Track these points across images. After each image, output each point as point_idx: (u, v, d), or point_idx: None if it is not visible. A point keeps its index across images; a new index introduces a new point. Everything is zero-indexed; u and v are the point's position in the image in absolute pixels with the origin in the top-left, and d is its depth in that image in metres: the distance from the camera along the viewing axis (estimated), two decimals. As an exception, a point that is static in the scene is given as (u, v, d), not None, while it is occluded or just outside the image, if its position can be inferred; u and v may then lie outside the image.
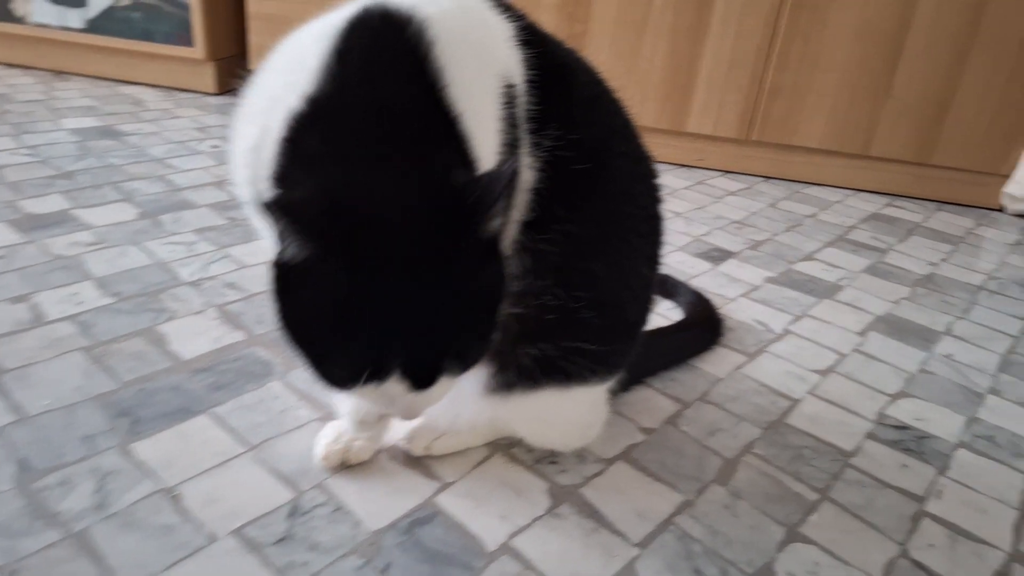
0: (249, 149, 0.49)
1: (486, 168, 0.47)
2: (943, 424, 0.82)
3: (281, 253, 0.43)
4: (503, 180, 0.42)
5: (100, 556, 0.55)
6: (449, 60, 0.47)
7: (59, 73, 1.84)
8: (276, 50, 0.52)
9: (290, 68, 0.48)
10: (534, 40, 0.54)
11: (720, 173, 1.67)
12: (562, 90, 0.55)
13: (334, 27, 0.47)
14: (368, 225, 0.42)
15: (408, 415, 0.50)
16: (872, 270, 1.23)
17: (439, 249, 0.43)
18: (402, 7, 0.48)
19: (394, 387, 0.45)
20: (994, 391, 0.90)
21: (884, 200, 1.61)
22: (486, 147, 0.48)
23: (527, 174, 0.54)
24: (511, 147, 0.51)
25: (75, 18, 1.74)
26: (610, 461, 0.71)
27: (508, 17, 0.54)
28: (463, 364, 0.47)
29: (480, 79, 0.49)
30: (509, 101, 0.51)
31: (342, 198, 0.42)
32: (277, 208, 0.40)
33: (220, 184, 1.28)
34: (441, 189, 0.43)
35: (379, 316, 0.43)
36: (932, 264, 1.28)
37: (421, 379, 0.46)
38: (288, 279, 0.43)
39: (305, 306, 0.44)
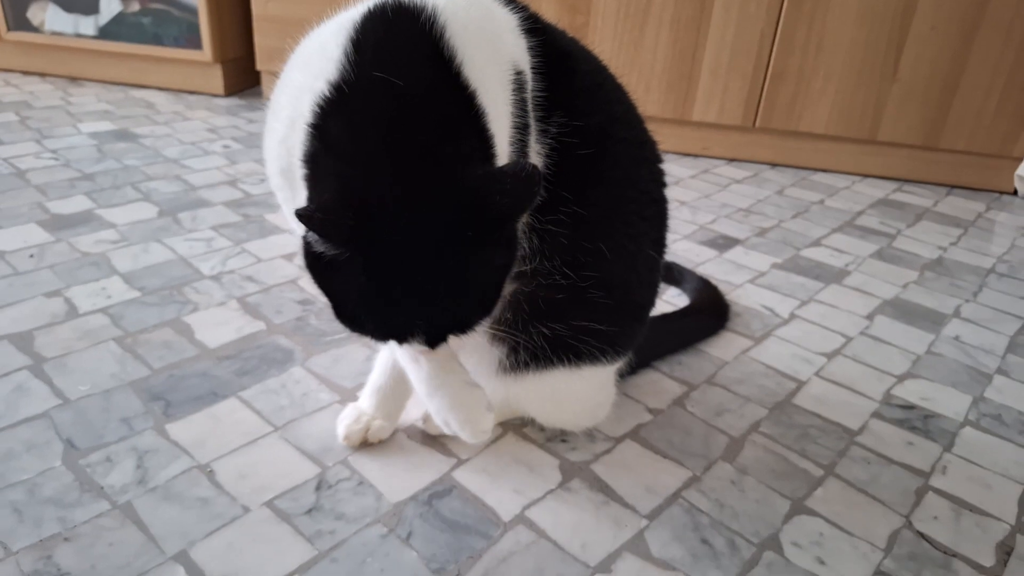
0: (278, 142, 0.53)
1: (500, 143, 0.50)
2: (950, 404, 0.84)
3: (313, 245, 0.48)
4: (534, 181, 0.45)
5: (145, 525, 0.59)
6: (462, 43, 0.50)
7: (74, 79, 1.89)
8: (297, 49, 0.55)
9: (313, 60, 0.51)
10: (538, 30, 0.57)
11: (725, 161, 1.69)
12: (566, 78, 0.58)
13: (351, 20, 0.51)
14: (389, 225, 0.46)
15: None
16: (880, 255, 1.24)
17: (455, 242, 0.47)
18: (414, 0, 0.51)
19: (413, 345, 0.52)
20: (1002, 371, 0.91)
21: (893, 185, 1.62)
22: (500, 124, 0.51)
23: (535, 160, 0.56)
24: (521, 131, 0.54)
25: (88, 25, 1.78)
26: (619, 439, 0.73)
27: (512, 9, 0.57)
28: (469, 329, 0.53)
29: (491, 63, 0.52)
30: (518, 87, 0.54)
31: (364, 198, 0.46)
32: (305, 220, 0.44)
33: (233, 183, 1.31)
34: (456, 183, 0.46)
35: (399, 300, 0.48)
36: (941, 248, 1.29)
37: (434, 342, 0.52)
38: (321, 264, 0.49)
39: (337, 287, 0.50)
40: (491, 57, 0.52)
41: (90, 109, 1.66)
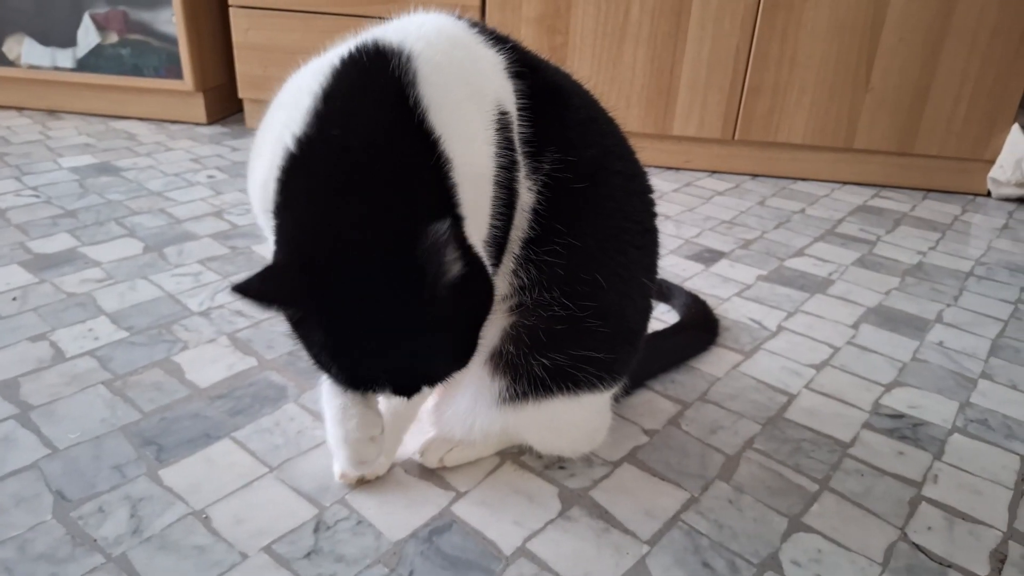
0: (260, 184, 0.53)
1: (470, 188, 0.51)
2: (937, 411, 0.85)
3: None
4: (446, 243, 0.45)
5: (141, 578, 0.58)
6: (433, 88, 0.50)
7: (52, 112, 1.87)
8: (284, 86, 0.55)
9: (289, 105, 0.52)
10: (527, 68, 0.58)
11: (707, 174, 1.71)
12: (558, 114, 0.59)
13: (330, 64, 0.52)
14: (338, 282, 0.48)
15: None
16: (862, 262, 1.26)
17: (405, 295, 0.48)
18: (392, 42, 0.52)
19: (386, 394, 0.54)
20: (986, 375, 0.93)
21: (870, 191, 1.65)
22: (474, 166, 0.52)
23: (526, 196, 0.57)
24: (508, 169, 0.54)
25: (65, 58, 1.77)
26: (616, 463, 0.74)
27: (500, 49, 0.57)
28: (439, 381, 0.54)
29: (468, 104, 0.52)
30: (504, 126, 0.54)
31: (311, 258, 0.48)
32: (242, 292, 0.46)
33: (219, 214, 1.31)
34: (402, 238, 0.47)
35: (358, 354, 0.50)
36: (920, 253, 1.31)
37: (404, 393, 0.53)
38: (290, 320, 0.52)
39: (307, 340, 0.52)
40: (468, 98, 0.53)
41: (70, 143, 1.65)
